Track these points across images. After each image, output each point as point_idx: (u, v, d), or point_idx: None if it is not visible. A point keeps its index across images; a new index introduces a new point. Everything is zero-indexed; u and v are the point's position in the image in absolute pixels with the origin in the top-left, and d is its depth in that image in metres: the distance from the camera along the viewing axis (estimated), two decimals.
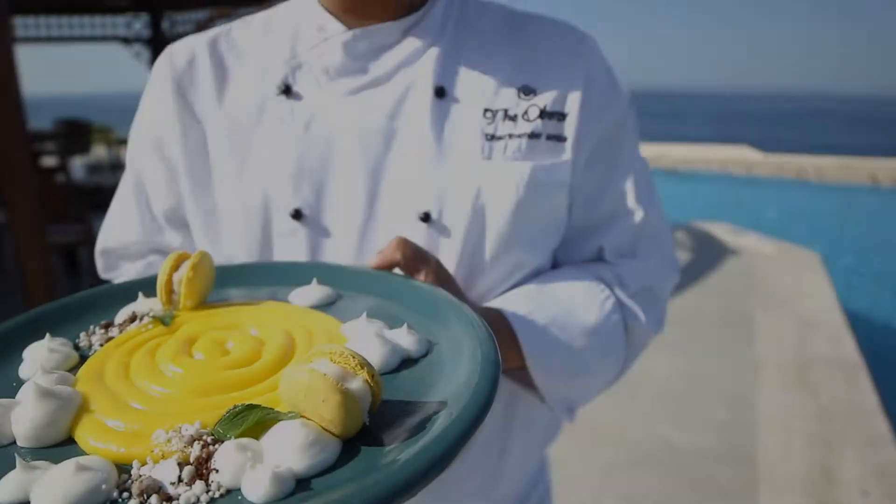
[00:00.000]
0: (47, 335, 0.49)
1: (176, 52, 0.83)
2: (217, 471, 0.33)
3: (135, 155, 0.84)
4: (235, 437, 0.35)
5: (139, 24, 11.24)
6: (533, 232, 0.77)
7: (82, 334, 0.53)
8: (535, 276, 0.81)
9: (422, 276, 0.65)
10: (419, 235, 0.74)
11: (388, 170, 0.75)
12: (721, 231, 7.51)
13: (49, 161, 8.52)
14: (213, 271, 0.58)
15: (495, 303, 0.76)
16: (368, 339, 0.46)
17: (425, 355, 0.48)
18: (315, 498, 0.31)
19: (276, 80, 0.78)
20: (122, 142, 10.15)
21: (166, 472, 0.33)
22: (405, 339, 0.48)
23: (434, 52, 0.77)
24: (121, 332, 0.52)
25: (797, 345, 4.40)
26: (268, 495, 0.31)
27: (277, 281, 0.64)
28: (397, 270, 0.65)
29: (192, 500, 0.32)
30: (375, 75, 0.76)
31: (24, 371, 0.46)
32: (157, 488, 0.32)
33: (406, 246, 0.65)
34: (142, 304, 0.56)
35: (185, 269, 0.54)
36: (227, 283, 0.64)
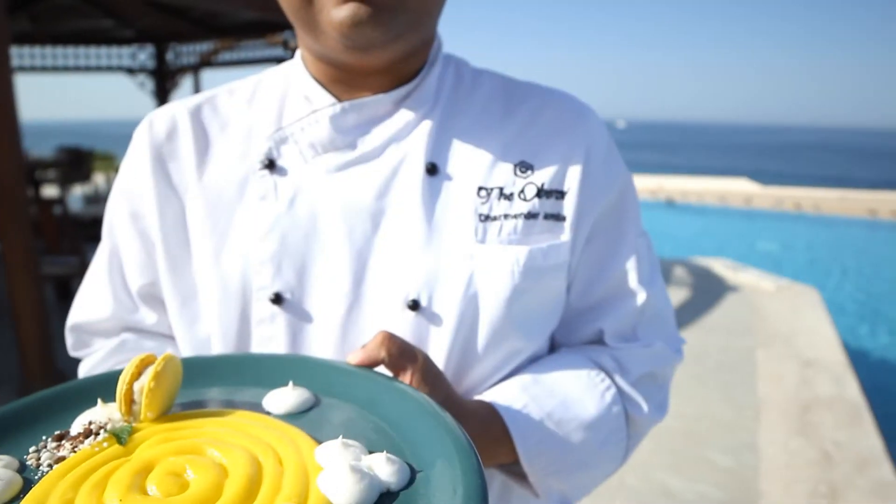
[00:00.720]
0: None
1: (156, 121, 0.79)
2: None
3: (112, 226, 0.81)
4: None
5: (144, 55, 11.37)
6: (530, 318, 0.74)
7: (31, 449, 0.49)
8: (532, 361, 0.77)
9: (408, 375, 0.61)
10: (407, 324, 0.70)
11: (375, 252, 0.71)
12: (720, 267, 7.47)
13: (50, 190, 8.53)
14: (180, 376, 0.54)
15: (488, 395, 0.72)
16: (343, 474, 0.42)
17: (406, 486, 0.44)
18: None
19: (259, 152, 0.75)
20: None
21: None
22: (384, 468, 0.44)
23: (427, 125, 0.74)
24: (73, 449, 0.48)
25: (799, 385, 4.33)
26: None
27: (253, 378, 0.60)
28: (382, 368, 0.61)
29: None
30: (364, 151, 0.73)
31: None
32: None
33: (391, 342, 0.61)
34: (100, 413, 0.52)
35: (146, 377, 0.50)
36: (200, 379, 0.60)
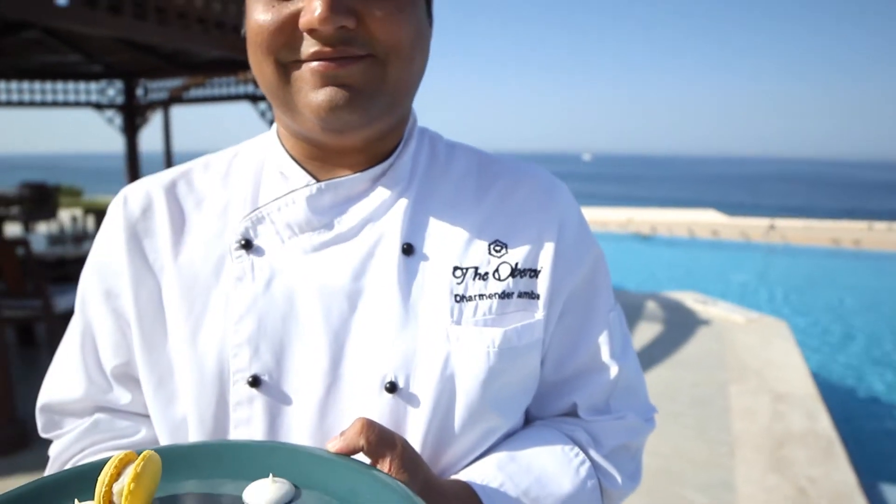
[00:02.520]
0: None
1: (131, 198, 0.79)
2: None
3: (85, 303, 0.79)
4: None
5: (113, 91, 11.29)
6: (506, 397, 0.74)
7: None
8: (507, 437, 0.77)
9: (387, 463, 0.61)
10: (384, 406, 0.69)
11: (353, 333, 0.71)
12: (691, 300, 7.59)
13: (12, 228, 8.33)
14: (159, 474, 0.53)
15: (464, 475, 0.71)
16: None
17: None
18: None
19: (235, 231, 0.75)
20: (91, 210, 9.99)
21: None
22: None
23: (403, 204, 0.74)
24: None
25: (772, 420, 4.38)
26: None
27: (232, 469, 0.59)
28: (361, 455, 0.61)
29: None
30: (341, 231, 0.73)
31: None
32: None
33: (370, 430, 0.61)
34: None
35: (126, 478, 0.49)
36: (178, 471, 0.59)
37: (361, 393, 0.70)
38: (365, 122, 0.68)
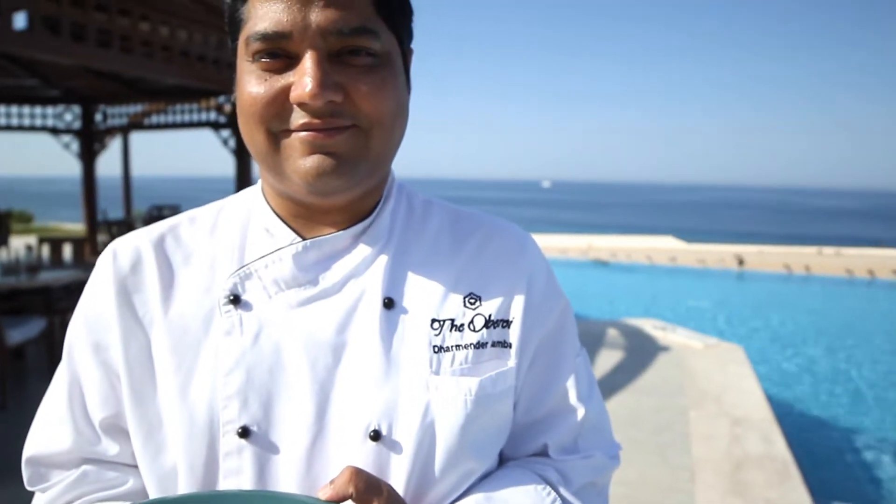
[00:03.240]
0: None
1: (120, 253, 0.81)
2: None
3: (72, 355, 0.81)
4: None
5: (70, 116, 11.08)
6: (482, 441, 0.78)
7: None
8: (483, 477, 0.81)
9: None
10: (368, 453, 0.73)
11: (337, 384, 0.74)
12: (650, 327, 7.76)
13: None
14: None
15: None
16: None
17: None
18: None
19: (224, 287, 0.78)
20: (45, 240, 9.72)
21: None
22: None
23: (383, 260, 0.79)
24: None
25: (730, 444, 4.50)
26: None
27: None
28: (349, 501, 0.64)
29: None
30: (325, 287, 0.77)
31: None
32: None
33: (358, 478, 0.64)
34: None
35: None
36: None
37: (347, 441, 0.73)
38: (349, 186, 0.73)
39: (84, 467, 0.79)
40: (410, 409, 0.74)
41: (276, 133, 0.70)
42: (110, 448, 0.79)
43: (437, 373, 0.76)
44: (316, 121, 0.68)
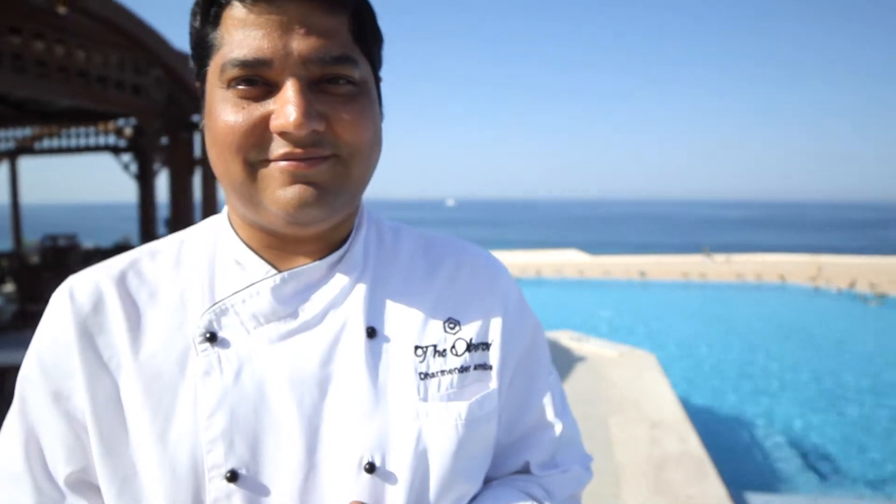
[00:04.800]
0: None
1: (78, 292, 0.76)
2: None
3: (27, 407, 0.74)
4: None
5: None
6: (473, 464, 0.79)
7: None
8: (472, 499, 0.82)
9: None
10: (364, 486, 0.72)
11: (326, 419, 0.73)
12: (566, 339, 8.02)
13: None
14: None
15: None
16: None
17: None
18: None
19: (196, 323, 0.74)
20: None
21: None
22: None
23: (361, 289, 0.78)
24: None
25: (650, 446, 4.70)
26: None
27: None
28: None
29: None
30: (305, 319, 0.75)
31: None
32: None
33: None
34: None
35: None
36: None
37: (340, 476, 0.72)
38: (329, 216, 0.72)
39: None
40: (403, 439, 0.74)
41: (254, 163, 0.69)
42: None
43: (425, 399, 0.76)
44: (298, 150, 0.67)
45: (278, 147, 0.67)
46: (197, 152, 7.77)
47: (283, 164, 0.68)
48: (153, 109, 6.48)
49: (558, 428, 0.87)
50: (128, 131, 9.31)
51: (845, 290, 14.18)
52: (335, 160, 0.70)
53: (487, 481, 0.88)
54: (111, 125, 9.33)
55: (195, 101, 6.99)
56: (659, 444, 4.75)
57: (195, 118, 7.68)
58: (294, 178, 0.68)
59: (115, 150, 9.64)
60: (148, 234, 10.38)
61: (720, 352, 9.83)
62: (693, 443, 4.74)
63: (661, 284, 15.87)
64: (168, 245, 0.83)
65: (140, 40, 5.00)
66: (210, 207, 7.84)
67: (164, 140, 7.78)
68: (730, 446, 5.94)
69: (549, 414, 0.87)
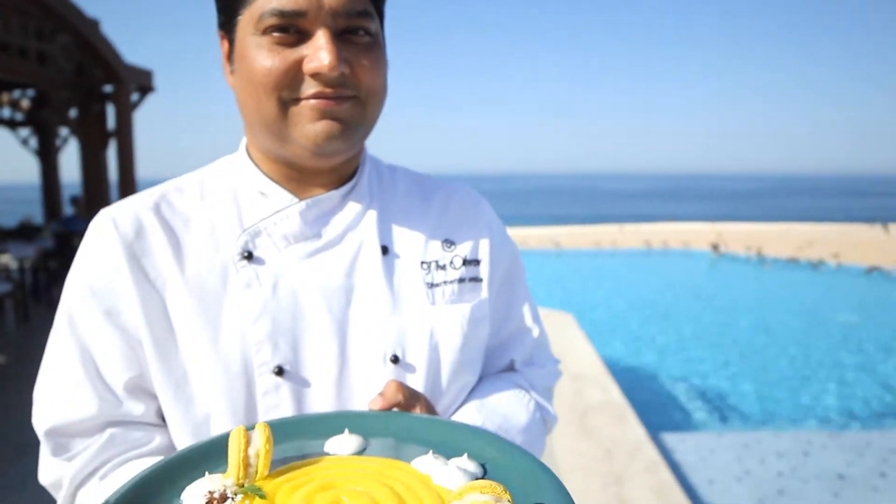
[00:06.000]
0: None
1: (121, 220, 0.85)
2: None
3: (77, 325, 0.83)
4: None
5: None
6: (474, 358, 0.95)
7: None
8: (472, 390, 0.98)
9: (417, 410, 0.78)
10: (389, 375, 0.86)
11: (353, 321, 0.86)
12: None
13: None
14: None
15: (455, 419, 0.90)
16: (453, 473, 0.59)
17: (484, 475, 0.62)
18: None
19: (231, 246, 0.86)
20: None
21: None
22: (470, 465, 0.61)
23: (372, 214, 0.92)
24: None
25: (574, 396, 5.05)
26: None
27: (310, 433, 0.71)
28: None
29: None
30: (328, 239, 0.88)
31: None
32: None
33: (403, 388, 0.78)
34: (208, 483, 0.60)
35: (258, 442, 0.61)
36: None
37: (369, 367, 0.85)
38: (349, 149, 0.85)
39: (109, 431, 0.82)
40: (419, 336, 0.88)
41: (287, 101, 0.80)
42: (135, 409, 0.83)
43: (433, 304, 0.91)
44: (328, 90, 0.79)
45: (309, 87, 0.79)
46: (111, 124, 7.39)
47: (313, 101, 0.79)
48: (60, 79, 6.12)
49: (535, 331, 1.04)
50: (25, 103, 8.72)
51: (741, 254, 15.37)
52: (355, 101, 0.82)
53: (481, 378, 1.04)
54: (5, 97, 8.69)
55: (108, 70, 6.64)
56: (582, 394, 5.11)
57: (107, 89, 7.33)
58: (322, 115, 0.80)
59: (12, 125, 8.99)
60: (53, 213, 9.80)
61: (632, 312, 10.49)
62: (614, 392, 5.13)
63: (575, 253, 16.59)
64: (190, 182, 0.92)
65: (46, 4, 4.73)
66: (128, 181, 7.50)
67: (73, 113, 7.34)
68: (646, 394, 6.44)
69: (528, 320, 1.04)
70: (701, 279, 13.59)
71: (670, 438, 4.71)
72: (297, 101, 0.80)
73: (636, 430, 4.38)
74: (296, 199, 0.88)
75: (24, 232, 8.62)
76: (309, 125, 0.80)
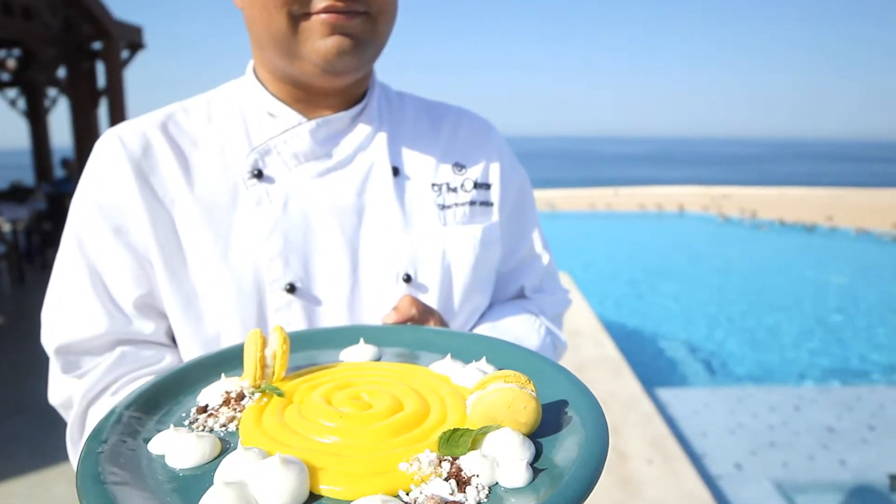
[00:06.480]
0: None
1: (127, 137, 0.83)
2: (478, 475, 0.44)
3: (85, 243, 0.82)
4: (465, 454, 0.46)
5: None
6: (485, 280, 0.94)
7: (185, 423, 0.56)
8: (483, 314, 0.98)
9: (432, 324, 0.78)
10: (403, 294, 0.85)
11: (364, 241, 0.86)
12: None
13: None
14: None
15: None
16: (472, 374, 0.59)
17: None
18: (549, 474, 0.44)
19: (240, 164, 0.84)
20: None
21: (439, 489, 0.43)
22: (489, 368, 0.61)
23: (382, 136, 0.90)
24: (235, 410, 0.56)
25: (571, 352, 5.10)
26: (527, 480, 0.44)
27: (325, 343, 0.71)
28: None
29: (476, 499, 0.43)
30: (339, 159, 0.87)
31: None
32: (445, 501, 0.42)
33: (417, 303, 0.78)
34: (225, 385, 0.60)
35: (275, 343, 0.60)
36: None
37: (381, 286, 0.85)
38: (359, 67, 0.83)
39: (120, 349, 0.82)
40: (431, 256, 0.88)
41: (297, 16, 0.78)
42: (145, 327, 0.83)
43: (445, 225, 0.90)
44: (339, 3, 0.77)
45: (320, 1, 0.76)
46: (101, 83, 7.25)
47: (324, 16, 0.77)
48: (47, 35, 5.98)
49: (546, 258, 1.04)
50: (11, 63, 8.53)
51: (735, 217, 15.40)
52: (366, 17, 0.80)
53: (491, 304, 1.04)
54: None
55: (96, 26, 6.48)
56: (579, 350, 5.16)
57: (96, 46, 7.16)
58: (333, 29, 0.77)
59: None
60: (44, 176, 9.69)
61: (628, 272, 10.55)
62: (609, 348, 5.19)
63: (570, 215, 16.59)
64: (196, 104, 0.90)
65: None
66: None
67: (62, 72, 7.17)
68: (640, 351, 6.52)
69: (539, 247, 1.04)
70: (695, 241, 13.65)
71: (664, 393, 4.78)
72: (307, 15, 0.77)
73: (631, 385, 4.44)
74: (304, 120, 0.87)
75: (16, 194, 8.54)
76: (319, 41, 0.78)
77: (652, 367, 6.07)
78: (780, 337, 7.23)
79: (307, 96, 0.86)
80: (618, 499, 3.12)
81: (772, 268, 10.76)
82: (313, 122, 0.85)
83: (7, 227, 8.01)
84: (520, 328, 0.95)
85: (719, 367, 6.33)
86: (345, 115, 0.88)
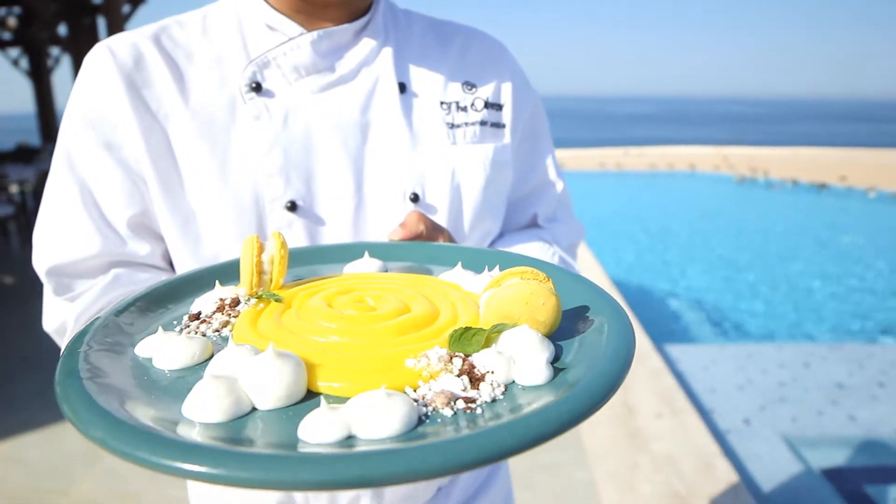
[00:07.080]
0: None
1: (118, 49, 0.78)
2: (493, 372, 0.40)
3: (75, 160, 0.77)
4: (477, 351, 0.42)
5: None
6: (496, 203, 0.89)
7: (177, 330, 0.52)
8: (492, 243, 0.93)
9: (440, 241, 0.73)
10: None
11: (369, 159, 0.81)
12: None
13: None
14: None
15: None
16: (485, 282, 0.55)
17: None
18: (570, 373, 0.40)
19: (237, 78, 0.79)
20: None
21: (451, 385, 0.39)
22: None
23: (388, 51, 0.84)
24: (230, 315, 0.52)
25: None
26: (547, 377, 0.40)
27: (331, 258, 0.67)
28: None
29: (491, 395, 0.39)
30: (342, 73, 0.81)
31: None
32: (456, 397, 0.38)
33: (426, 219, 0.73)
34: (220, 292, 0.56)
35: (273, 248, 0.56)
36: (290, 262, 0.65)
37: (387, 205, 0.80)
38: None
39: (114, 271, 0.78)
40: (440, 175, 0.83)
41: None
42: (140, 248, 0.79)
43: (454, 144, 0.85)
44: None
45: None
46: (103, 38, 7.13)
47: None
48: None
49: (559, 185, 0.98)
50: (11, 21, 8.40)
51: (747, 177, 15.19)
52: None
53: (503, 233, 0.99)
54: None
55: None
56: None
57: (97, 0, 7.01)
58: None
59: (0, 45, 8.70)
60: (49, 136, 9.64)
61: (637, 230, 10.47)
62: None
63: (580, 174, 16.42)
64: (191, 17, 0.85)
65: None
66: None
67: (63, 29, 7.05)
68: (650, 309, 6.50)
69: (552, 174, 0.98)
70: (706, 201, 13.50)
71: (674, 350, 4.76)
72: None
73: (640, 340, 4.42)
74: (305, 32, 0.81)
75: (23, 155, 8.50)
76: None
77: (661, 324, 6.06)
78: (792, 295, 7.18)
79: (307, 8, 0.81)
80: (626, 452, 3.12)
81: (783, 227, 10.65)
82: (315, 34, 0.79)
83: (15, 189, 8.01)
84: (533, 255, 0.91)
85: (729, 324, 6.30)
86: (348, 28, 0.82)
